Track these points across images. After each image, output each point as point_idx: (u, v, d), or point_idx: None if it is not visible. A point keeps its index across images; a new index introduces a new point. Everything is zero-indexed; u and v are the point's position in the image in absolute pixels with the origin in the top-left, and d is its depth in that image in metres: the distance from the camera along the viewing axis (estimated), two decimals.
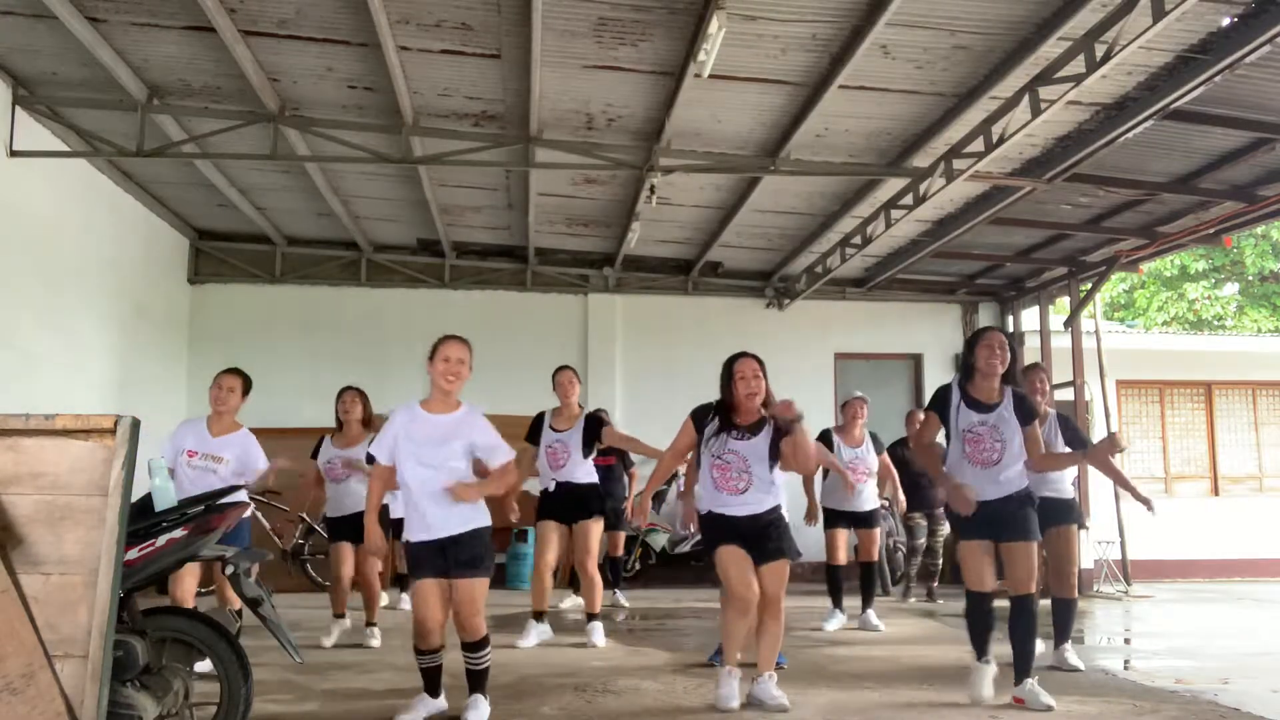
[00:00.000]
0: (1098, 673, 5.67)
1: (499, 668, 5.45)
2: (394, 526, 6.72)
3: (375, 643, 6.32)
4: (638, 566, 10.45)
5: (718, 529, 4.69)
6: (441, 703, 4.35)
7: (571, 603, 8.49)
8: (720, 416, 4.75)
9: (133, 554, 3.27)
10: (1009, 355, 4.79)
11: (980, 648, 4.74)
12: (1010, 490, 4.71)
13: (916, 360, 12.12)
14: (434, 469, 4.15)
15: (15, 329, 7.24)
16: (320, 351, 10.75)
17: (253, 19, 6.17)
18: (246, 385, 5.62)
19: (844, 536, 7.46)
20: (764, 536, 4.65)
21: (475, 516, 4.21)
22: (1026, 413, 4.79)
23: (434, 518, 4.14)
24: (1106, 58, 5.47)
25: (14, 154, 7.20)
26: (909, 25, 5.82)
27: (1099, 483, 10.74)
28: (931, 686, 5.13)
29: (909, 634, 7.16)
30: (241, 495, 4.77)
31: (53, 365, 7.79)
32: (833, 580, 7.51)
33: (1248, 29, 5.47)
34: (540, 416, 6.64)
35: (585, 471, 6.54)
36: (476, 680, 4.29)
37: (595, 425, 6.57)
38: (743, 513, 4.64)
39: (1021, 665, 4.68)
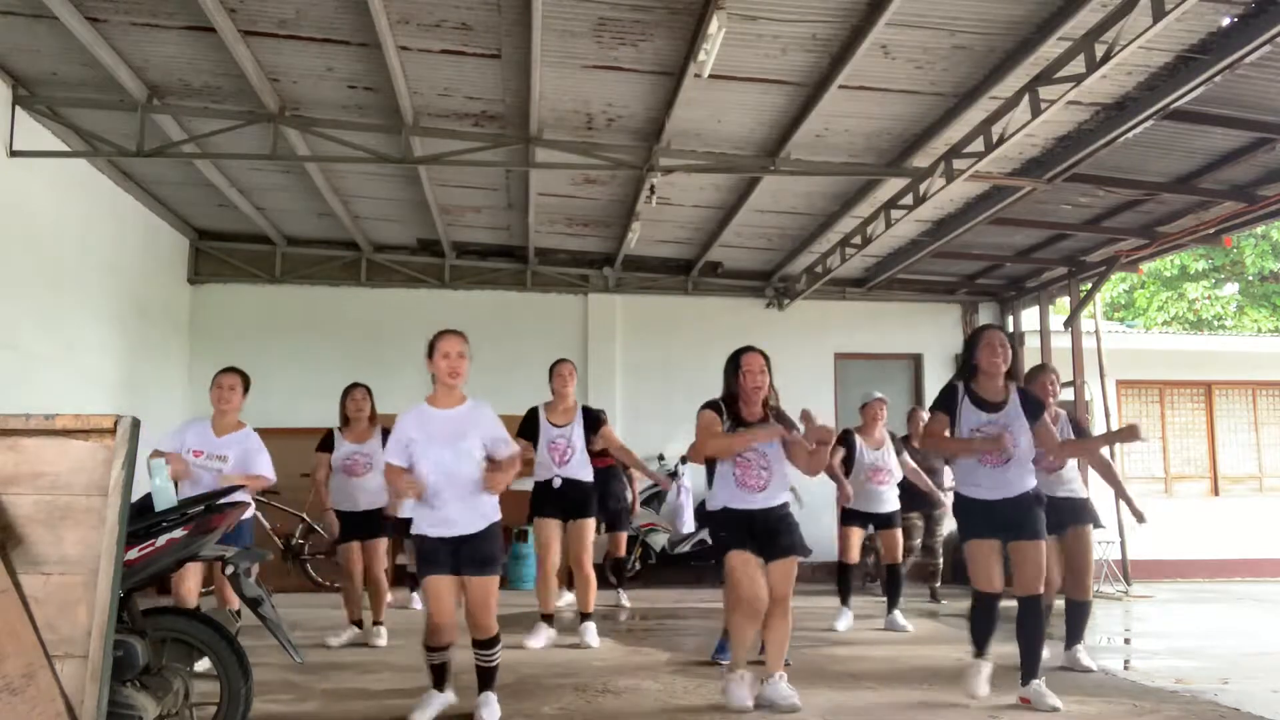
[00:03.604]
0: (1098, 673, 5.66)
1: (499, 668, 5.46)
2: (401, 525, 6.72)
3: (381, 642, 6.33)
4: (638, 566, 10.44)
5: (731, 527, 4.64)
6: (450, 696, 4.37)
7: (567, 600, 8.50)
8: (729, 413, 4.71)
9: (133, 554, 3.28)
10: (1010, 353, 4.78)
11: (980, 646, 4.73)
12: (1022, 489, 4.68)
13: (916, 360, 12.12)
14: (456, 464, 4.16)
15: (15, 329, 7.24)
16: (320, 351, 10.74)
17: (253, 19, 6.17)
18: (246, 383, 5.65)
19: (858, 535, 7.42)
20: (776, 531, 4.62)
21: (491, 512, 4.24)
22: (1034, 407, 4.77)
23: (456, 513, 4.16)
24: (1106, 58, 5.46)
25: (14, 154, 7.19)
26: (909, 25, 5.82)
27: (1099, 482, 10.73)
28: (932, 686, 5.13)
29: (909, 634, 7.16)
30: (242, 495, 4.77)
31: (53, 365, 7.78)
32: (843, 578, 7.49)
33: (1248, 29, 5.47)
34: (534, 412, 6.45)
35: (587, 469, 6.47)
36: (488, 678, 4.31)
37: (593, 419, 6.50)
38: (758, 507, 4.62)
39: (1029, 666, 4.66)
